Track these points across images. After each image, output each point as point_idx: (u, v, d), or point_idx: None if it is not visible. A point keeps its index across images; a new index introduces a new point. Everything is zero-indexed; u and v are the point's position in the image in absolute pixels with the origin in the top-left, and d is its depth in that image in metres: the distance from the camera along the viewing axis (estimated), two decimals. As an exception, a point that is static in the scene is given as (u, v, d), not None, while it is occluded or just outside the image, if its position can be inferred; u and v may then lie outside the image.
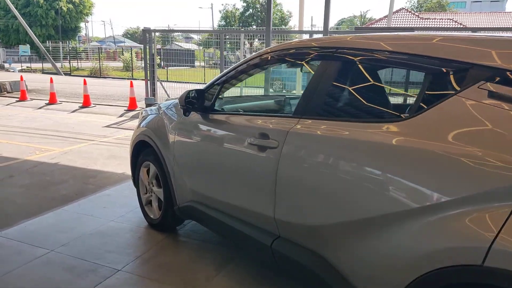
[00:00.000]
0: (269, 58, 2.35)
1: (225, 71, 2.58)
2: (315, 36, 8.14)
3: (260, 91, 7.57)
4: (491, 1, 58.09)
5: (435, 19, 24.15)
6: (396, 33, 2.00)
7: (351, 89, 1.92)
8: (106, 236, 3.08)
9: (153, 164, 3.12)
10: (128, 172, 4.75)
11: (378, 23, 23.71)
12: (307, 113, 1.95)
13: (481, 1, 58.03)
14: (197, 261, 2.77)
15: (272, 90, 8.14)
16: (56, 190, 4.09)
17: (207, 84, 2.68)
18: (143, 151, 3.28)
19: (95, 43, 47.91)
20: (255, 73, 2.60)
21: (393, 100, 1.94)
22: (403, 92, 3.19)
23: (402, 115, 1.61)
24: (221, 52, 8.76)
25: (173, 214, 3.01)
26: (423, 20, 23.27)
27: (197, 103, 2.54)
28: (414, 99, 1.68)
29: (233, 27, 34.10)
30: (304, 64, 2.20)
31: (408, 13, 24.87)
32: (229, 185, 2.35)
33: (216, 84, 2.62)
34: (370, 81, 1.84)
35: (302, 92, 2.43)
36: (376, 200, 1.56)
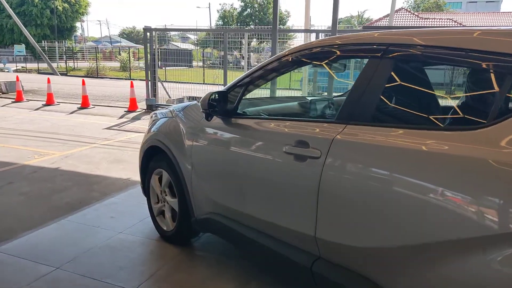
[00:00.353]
0: (303, 56, 2.12)
1: (249, 71, 2.35)
2: (321, 35, 7.91)
3: (282, 93, 7.27)
4: (486, 2, 58.42)
5: (434, 19, 24.04)
6: (448, 28, 1.77)
7: (413, 91, 1.69)
8: (116, 251, 2.83)
9: (166, 171, 2.88)
10: (134, 177, 4.51)
11: (378, 22, 23.56)
12: (355, 118, 1.72)
13: (476, 2, 58.37)
14: (216, 279, 2.53)
15: (308, 92, 7.79)
16: (59, 198, 3.83)
17: (228, 85, 2.44)
18: (154, 157, 3.04)
19: (91, 43, 47.46)
20: (284, 74, 2.37)
21: (456, 103, 1.71)
22: (467, 94, 2.95)
23: (482, 121, 1.38)
24: (225, 52, 8.52)
25: (189, 226, 2.77)
26: (423, 20, 23.14)
27: (219, 106, 2.30)
28: (485, 102, 1.45)
29: (231, 27, 33.85)
30: (342, 62, 1.97)
31: (407, 12, 24.76)
32: (259, 198, 2.11)
33: (239, 85, 2.38)
34: (437, 83, 1.62)
35: (337, 94, 2.21)
36: (453, 224, 1.33)
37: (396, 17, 22.22)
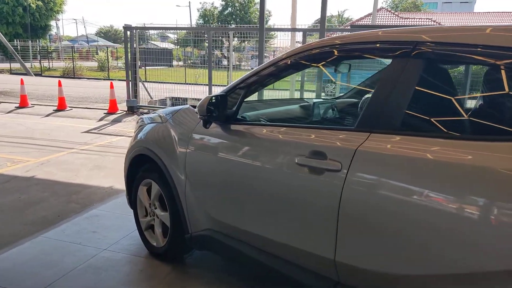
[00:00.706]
0: (315, 55, 1.89)
1: (252, 71, 2.10)
2: (308, 35, 7.72)
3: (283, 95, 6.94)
4: (461, 2, 60.19)
5: (414, 18, 24.27)
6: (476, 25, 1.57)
7: (450, 94, 1.48)
8: (100, 271, 2.54)
9: (156, 182, 2.60)
10: (117, 185, 4.20)
11: (360, 22, 23.61)
12: (381, 125, 1.51)
13: (451, 2, 60.08)
14: (215, 300, 2.29)
15: (323, 94, 7.48)
16: (34, 211, 3.49)
17: (228, 87, 2.20)
18: (142, 167, 2.76)
19: (67, 42, 46.12)
20: (292, 74, 2.14)
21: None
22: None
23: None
24: (209, 51, 8.23)
25: (182, 242, 2.51)
26: (404, 20, 23.34)
27: (218, 111, 2.05)
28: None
29: (212, 26, 33.44)
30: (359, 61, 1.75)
31: (388, 12, 24.93)
32: (267, 215, 1.87)
33: (240, 87, 2.13)
34: (479, 85, 1.41)
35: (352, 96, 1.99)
36: (509, 253, 1.13)
37: (377, 16, 22.30)
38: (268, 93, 7.24)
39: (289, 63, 1.95)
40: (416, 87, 1.49)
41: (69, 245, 2.88)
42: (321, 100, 2.76)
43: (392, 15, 24.52)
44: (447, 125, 1.50)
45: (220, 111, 2.05)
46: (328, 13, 6.61)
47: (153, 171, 2.62)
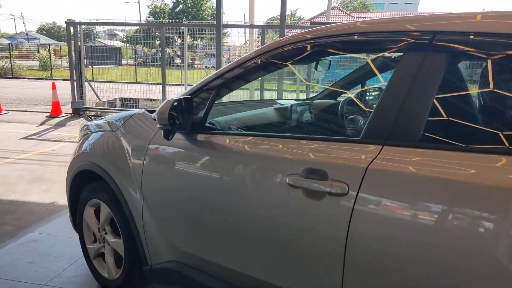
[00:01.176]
0: (305, 49, 1.54)
1: (223, 68, 1.73)
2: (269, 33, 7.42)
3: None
4: (405, 3, 63.44)
5: (365, 17, 24.89)
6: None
7: (483, 94, 1.20)
8: (37, 316, 2.07)
9: (105, 203, 2.17)
10: (61, 201, 3.66)
11: (314, 20, 23.79)
12: (396, 136, 1.20)
13: (397, 3, 63.26)
14: None
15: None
16: (-45, 240, 2.90)
17: (192, 89, 1.81)
18: (88, 184, 2.31)
19: (4, 40, 42.84)
20: (274, 71, 1.79)
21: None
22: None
23: None
24: (163, 48, 7.71)
25: (140, 275, 2.10)
26: (355, 19, 23.82)
27: (183, 118, 1.66)
28: None
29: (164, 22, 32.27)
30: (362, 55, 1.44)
31: (340, 11, 25.34)
32: (249, 248, 1.52)
33: (207, 88, 1.75)
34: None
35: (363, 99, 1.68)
36: None
37: (330, 15, 22.57)
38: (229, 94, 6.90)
39: (277, 53, 1.59)
40: (443, 87, 1.19)
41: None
42: (299, 102, 2.42)
43: (344, 14, 24.96)
44: (483, 135, 1.22)
45: (185, 118, 1.67)
46: (280, 13, 6.37)
47: (102, 191, 2.18)
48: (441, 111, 1.18)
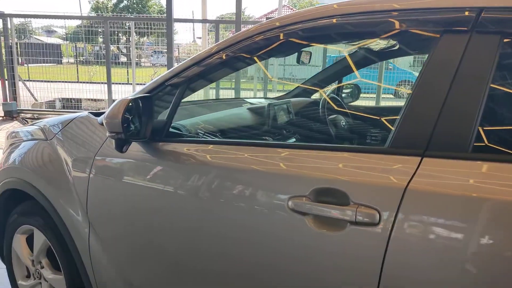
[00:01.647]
0: (296, 35, 1.24)
1: (194, 57, 1.36)
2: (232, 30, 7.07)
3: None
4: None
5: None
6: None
7: None
8: None
9: (40, 230, 1.73)
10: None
11: (265, 18, 23.79)
12: (439, 144, 0.91)
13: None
14: None
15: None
16: None
17: (150, 86, 1.42)
18: (18, 207, 1.85)
19: None
20: (251, 64, 1.46)
21: None
22: None
23: None
24: (107, 44, 7.10)
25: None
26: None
27: (141, 123, 1.29)
28: None
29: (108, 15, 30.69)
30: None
31: (290, 10, 25.53)
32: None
33: (171, 84, 1.38)
34: None
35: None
36: None
37: (282, 14, 22.62)
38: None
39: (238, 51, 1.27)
40: (495, 78, 0.91)
41: None
42: (275, 101, 2.10)
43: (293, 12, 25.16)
44: None
45: (144, 122, 1.29)
46: (230, 10, 6.12)
47: (35, 214, 1.74)
48: (497, 110, 0.92)
